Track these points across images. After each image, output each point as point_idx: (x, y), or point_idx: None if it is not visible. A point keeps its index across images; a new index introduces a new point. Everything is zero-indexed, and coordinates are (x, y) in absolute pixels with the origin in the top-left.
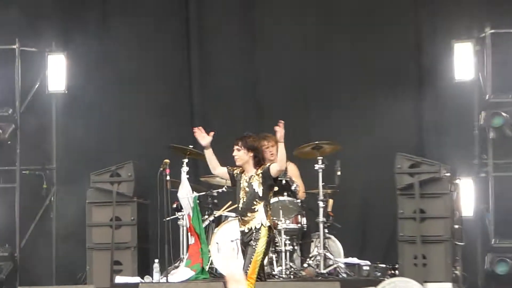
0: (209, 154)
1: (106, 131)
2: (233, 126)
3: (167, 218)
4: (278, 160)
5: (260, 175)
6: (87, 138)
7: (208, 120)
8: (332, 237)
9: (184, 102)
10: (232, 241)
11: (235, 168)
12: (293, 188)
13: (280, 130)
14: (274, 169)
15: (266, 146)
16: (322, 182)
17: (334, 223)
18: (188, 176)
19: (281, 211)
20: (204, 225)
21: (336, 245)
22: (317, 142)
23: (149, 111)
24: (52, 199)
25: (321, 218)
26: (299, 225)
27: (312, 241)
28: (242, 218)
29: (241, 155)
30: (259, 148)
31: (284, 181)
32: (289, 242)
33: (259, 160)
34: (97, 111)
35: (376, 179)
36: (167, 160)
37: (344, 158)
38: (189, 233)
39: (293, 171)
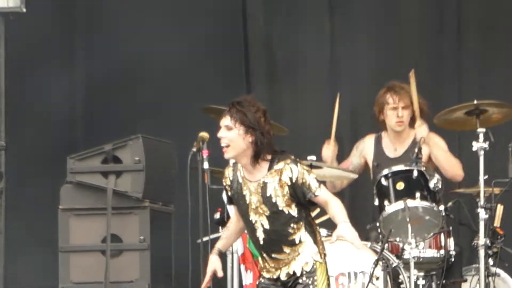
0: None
1: (95, 81)
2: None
3: (205, 239)
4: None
5: (287, 185)
6: (62, 94)
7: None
8: (502, 273)
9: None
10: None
11: (225, 177)
12: (432, 185)
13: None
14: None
15: (392, 105)
16: (485, 175)
17: (505, 249)
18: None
19: (409, 226)
20: None
21: (509, 287)
22: (476, 101)
23: (179, 48)
24: None
25: (482, 239)
26: (443, 251)
27: (466, 281)
28: (271, 256)
29: (233, 138)
30: (268, 123)
31: (415, 172)
32: (424, 282)
33: (268, 148)
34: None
35: None
36: (204, 134)
37: None
38: (243, 265)
39: (436, 141)
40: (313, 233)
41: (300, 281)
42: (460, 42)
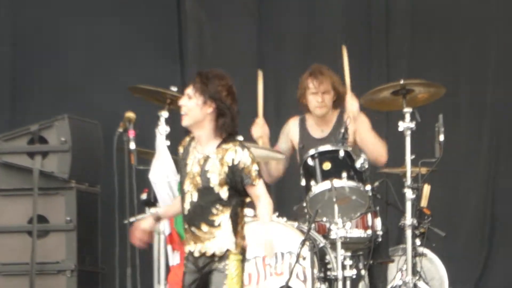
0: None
1: (23, 60)
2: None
3: (131, 219)
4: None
5: (229, 164)
6: None
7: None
8: (429, 253)
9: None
10: (248, 260)
11: (181, 144)
12: (358, 165)
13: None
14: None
15: (312, 90)
16: (412, 155)
17: (433, 229)
18: (169, 143)
19: (336, 207)
20: None
21: (436, 268)
22: (403, 81)
23: (108, 25)
24: None
25: (409, 219)
26: (370, 231)
27: (393, 261)
28: (191, 229)
29: (191, 107)
30: (231, 98)
31: (341, 152)
32: (351, 262)
33: (227, 126)
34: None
35: None
36: (131, 114)
37: (452, 111)
38: (170, 246)
39: (360, 121)
40: (236, 224)
41: (214, 267)
42: (388, 22)
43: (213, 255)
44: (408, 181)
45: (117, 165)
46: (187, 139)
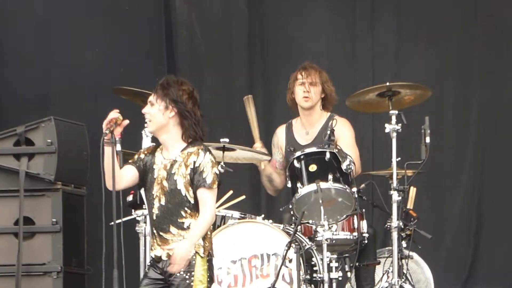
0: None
1: (8, 60)
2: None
3: (118, 221)
4: None
5: (191, 166)
6: None
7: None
8: (416, 255)
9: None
10: (234, 262)
11: (143, 150)
12: (344, 166)
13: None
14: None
15: (300, 81)
16: (398, 157)
17: (419, 231)
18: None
19: (322, 209)
20: None
21: (422, 270)
22: (389, 83)
23: (94, 25)
24: None
25: (395, 221)
26: (356, 234)
27: (379, 263)
28: (159, 233)
29: (154, 113)
30: (193, 102)
31: (327, 154)
32: (337, 264)
33: (191, 130)
34: None
35: (502, 152)
36: (116, 115)
37: (438, 113)
38: None
39: (344, 133)
40: None
41: (178, 274)
42: (373, 24)
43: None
44: (394, 183)
45: (104, 166)
46: (151, 147)
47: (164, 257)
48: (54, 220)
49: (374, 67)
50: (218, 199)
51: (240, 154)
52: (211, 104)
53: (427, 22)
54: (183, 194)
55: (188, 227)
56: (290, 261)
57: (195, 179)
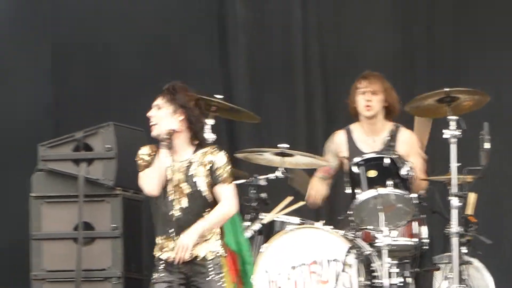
0: None
1: (67, 67)
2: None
3: None
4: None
5: (209, 166)
6: (34, 77)
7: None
8: (476, 261)
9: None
10: (294, 268)
11: (148, 153)
12: (403, 172)
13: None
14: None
15: (361, 90)
16: (458, 163)
17: (479, 237)
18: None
19: (380, 214)
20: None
21: (482, 276)
22: (447, 89)
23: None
24: None
25: (455, 227)
26: (416, 240)
27: (439, 269)
28: (179, 234)
29: (162, 116)
30: (199, 109)
31: (387, 161)
32: (397, 270)
33: (199, 134)
34: (50, 29)
35: None
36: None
37: (497, 119)
38: None
39: (407, 141)
40: (221, 228)
41: (207, 278)
42: (430, 29)
43: (204, 259)
44: (454, 189)
45: None
46: (153, 149)
47: (187, 257)
48: (114, 225)
49: (432, 72)
50: (277, 204)
51: (300, 160)
52: (271, 109)
53: (484, 27)
54: (204, 195)
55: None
56: (350, 267)
57: (213, 176)
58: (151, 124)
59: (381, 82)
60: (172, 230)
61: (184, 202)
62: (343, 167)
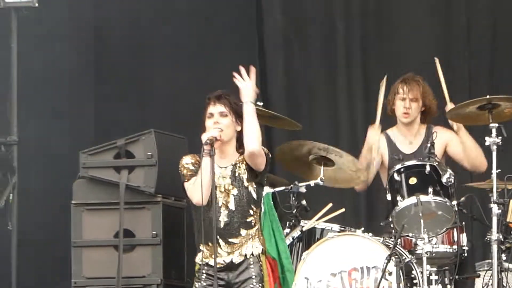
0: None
1: (108, 74)
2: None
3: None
4: (248, 135)
5: (245, 163)
6: (74, 88)
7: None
8: None
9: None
10: (334, 275)
11: (192, 162)
12: (444, 179)
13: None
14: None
15: (401, 96)
16: (498, 169)
17: None
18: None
19: (422, 222)
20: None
21: None
22: (489, 96)
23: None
24: (11, 196)
25: (495, 234)
26: (455, 247)
27: (479, 276)
28: (228, 240)
29: (228, 124)
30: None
31: (427, 167)
32: (436, 277)
33: (242, 142)
34: (93, 36)
35: None
36: (216, 131)
37: None
38: None
39: (444, 139)
40: (261, 224)
41: (251, 286)
42: (469, 35)
43: (246, 257)
44: (494, 196)
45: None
46: (187, 159)
47: (235, 261)
48: (154, 232)
49: (470, 78)
50: (317, 211)
51: (339, 175)
52: (311, 117)
53: None
54: (249, 190)
55: (254, 225)
56: (390, 274)
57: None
58: (215, 131)
59: (422, 88)
60: (218, 237)
61: (231, 205)
62: (381, 172)
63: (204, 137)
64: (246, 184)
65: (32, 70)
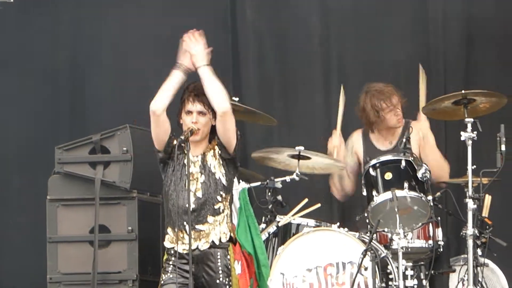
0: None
1: (84, 67)
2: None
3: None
4: (214, 97)
5: (217, 147)
6: (48, 79)
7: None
8: (491, 263)
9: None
10: (310, 270)
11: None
12: (420, 175)
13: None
14: (220, 132)
15: (389, 109)
16: (473, 165)
17: (494, 238)
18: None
19: (397, 217)
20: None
21: (497, 278)
22: (464, 91)
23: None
24: None
25: (470, 229)
26: (431, 242)
27: (454, 271)
28: (195, 227)
29: (205, 122)
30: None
31: (403, 162)
32: (412, 272)
33: (214, 133)
34: (69, 27)
35: None
36: (192, 125)
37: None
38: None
39: (420, 142)
40: (230, 211)
41: (218, 281)
42: (445, 32)
43: (213, 245)
44: (470, 191)
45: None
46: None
47: (201, 247)
48: (130, 228)
49: (446, 74)
50: (293, 207)
51: (316, 164)
52: (284, 113)
53: (497, 29)
54: (217, 177)
55: (223, 211)
56: (366, 269)
57: (221, 144)
58: (193, 128)
59: (394, 91)
60: (184, 224)
61: (199, 193)
62: (360, 167)
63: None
64: (213, 170)
65: (6, 63)
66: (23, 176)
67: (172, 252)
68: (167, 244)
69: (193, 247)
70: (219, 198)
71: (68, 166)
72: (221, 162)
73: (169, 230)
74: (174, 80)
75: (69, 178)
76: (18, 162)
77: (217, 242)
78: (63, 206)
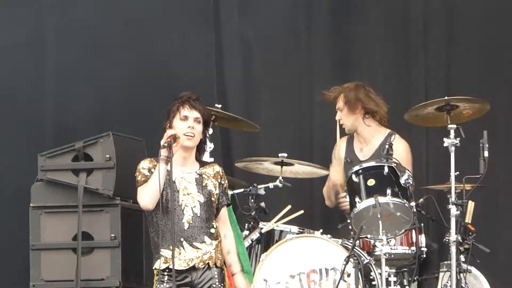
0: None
1: (67, 73)
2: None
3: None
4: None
5: (219, 179)
6: (32, 86)
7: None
8: (474, 269)
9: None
10: (293, 276)
11: (149, 167)
12: (402, 181)
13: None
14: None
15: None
16: (456, 171)
17: (477, 245)
18: (213, 159)
19: (380, 223)
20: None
21: (480, 284)
22: (447, 97)
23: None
24: None
25: (453, 235)
26: (414, 248)
27: (437, 277)
28: (192, 243)
29: (200, 131)
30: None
31: (385, 169)
32: (395, 279)
33: (203, 153)
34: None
35: None
36: (174, 132)
37: (496, 127)
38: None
39: (402, 153)
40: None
41: (214, 286)
42: (425, 36)
43: (209, 267)
44: (453, 197)
45: (164, 182)
46: (153, 163)
47: (197, 265)
48: (113, 235)
49: (427, 80)
50: (276, 213)
51: (299, 169)
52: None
53: (480, 35)
54: (213, 205)
55: (216, 238)
56: (349, 275)
57: (221, 197)
58: (189, 135)
59: (343, 95)
60: (182, 240)
61: (198, 210)
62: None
63: (163, 140)
64: (212, 198)
65: None
66: (5, 184)
67: (167, 271)
68: (162, 266)
69: (190, 264)
70: (214, 224)
71: (51, 173)
72: (217, 198)
73: (163, 251)
74: (161, 174)
75: (52, 186)
76: (0, 170)
77: (212, 265)
78: (46, 214)
